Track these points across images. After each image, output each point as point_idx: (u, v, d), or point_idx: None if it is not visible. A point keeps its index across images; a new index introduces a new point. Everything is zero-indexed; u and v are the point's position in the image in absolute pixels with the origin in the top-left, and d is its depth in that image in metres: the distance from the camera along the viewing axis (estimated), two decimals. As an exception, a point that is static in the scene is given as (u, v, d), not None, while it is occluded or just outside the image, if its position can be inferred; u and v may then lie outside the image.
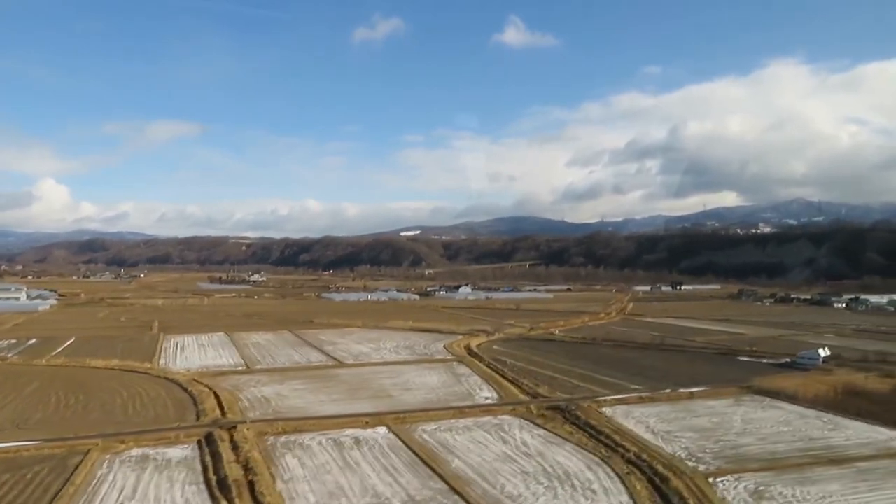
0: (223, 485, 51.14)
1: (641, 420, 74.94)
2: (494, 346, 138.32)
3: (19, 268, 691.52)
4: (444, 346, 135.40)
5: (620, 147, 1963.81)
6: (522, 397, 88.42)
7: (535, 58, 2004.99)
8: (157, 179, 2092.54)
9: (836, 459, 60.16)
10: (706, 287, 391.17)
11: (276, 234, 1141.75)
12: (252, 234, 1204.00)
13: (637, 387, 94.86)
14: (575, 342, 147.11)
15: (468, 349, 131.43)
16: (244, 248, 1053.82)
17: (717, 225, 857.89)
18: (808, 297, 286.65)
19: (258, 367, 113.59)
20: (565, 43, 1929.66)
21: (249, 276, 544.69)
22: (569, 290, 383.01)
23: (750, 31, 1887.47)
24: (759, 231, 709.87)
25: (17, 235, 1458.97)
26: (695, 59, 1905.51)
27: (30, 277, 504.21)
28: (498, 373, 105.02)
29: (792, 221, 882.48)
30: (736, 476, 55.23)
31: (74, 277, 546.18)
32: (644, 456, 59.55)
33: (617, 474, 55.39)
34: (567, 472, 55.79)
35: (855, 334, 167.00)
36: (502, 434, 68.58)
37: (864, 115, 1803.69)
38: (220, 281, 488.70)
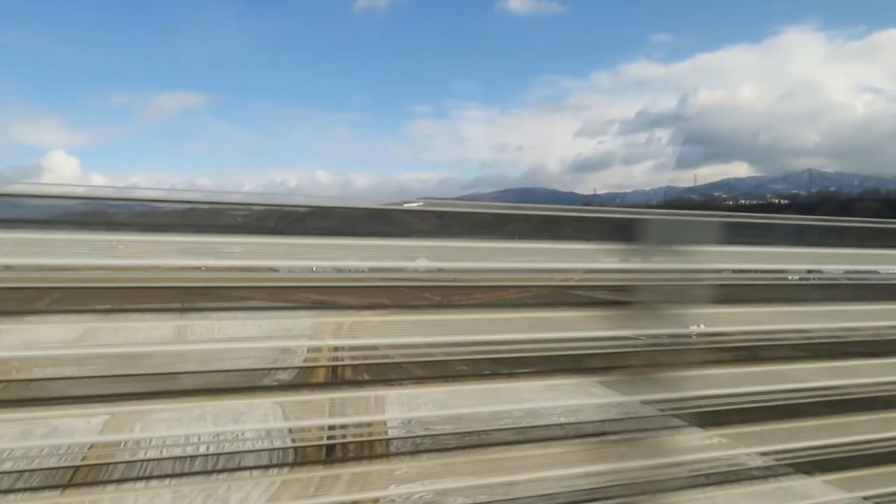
0: None
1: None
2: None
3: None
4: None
5: (630, 117, 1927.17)
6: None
7: (542, 25, 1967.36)
8: (166, 151, 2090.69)
9: None
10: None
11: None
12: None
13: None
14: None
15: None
16: (240, 218, 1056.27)
17: (723, 196, 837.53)
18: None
19: None
20: (570, 10, 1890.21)
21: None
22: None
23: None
24: (748, 202, 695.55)
25: (27, 208, 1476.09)
26: (706, 26, 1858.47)
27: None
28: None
29: (801, 192, 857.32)
30: None
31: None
32: None
33: None
34: None
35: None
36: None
37: (880, 84, 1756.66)
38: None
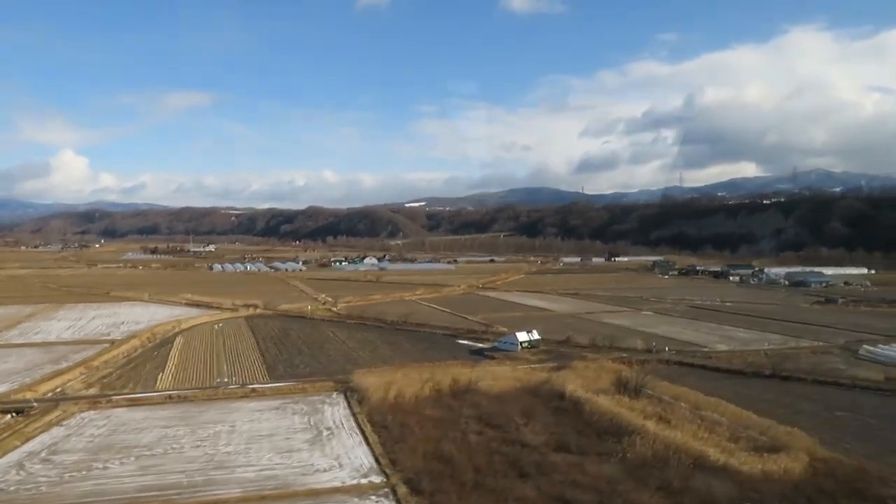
0: None
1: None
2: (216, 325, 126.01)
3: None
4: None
5: (636, 117, 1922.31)
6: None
7: (546, 25, 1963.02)
8: (173, 150, 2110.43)
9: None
10: (642, 258, 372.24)
11: (293, 206, 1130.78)
12: (268, 205, 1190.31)
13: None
14: (323, 321, 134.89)
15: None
16: (233, 218, 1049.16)
17: (726, 196, 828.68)
18: (719, 269, 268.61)
19: None
20: (573, 9, 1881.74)
21: (205, 247, 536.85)
22: (492, 261, 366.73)
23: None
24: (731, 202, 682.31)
25: (36, 207, 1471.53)
26: (712, 25, 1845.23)
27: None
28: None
29: (806, 192, 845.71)
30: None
31: (24, 248, 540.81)
32: None
33: None
34: None
35: (666, 312, 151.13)
36: None
37: (888, 83, 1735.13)
38: (152, 252, 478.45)
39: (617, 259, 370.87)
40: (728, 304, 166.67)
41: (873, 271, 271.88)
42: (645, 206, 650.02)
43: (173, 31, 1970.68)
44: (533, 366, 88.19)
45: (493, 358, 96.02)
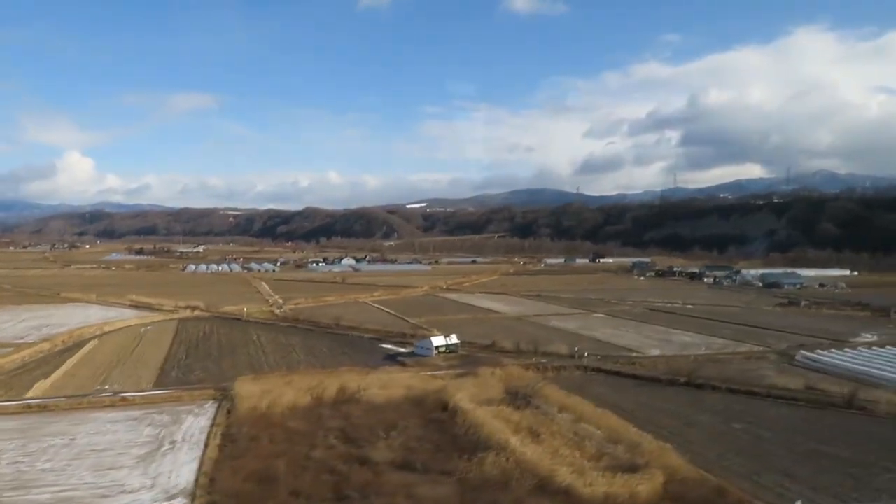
0: None
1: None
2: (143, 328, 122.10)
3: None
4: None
5: (640, 118, 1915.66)
6: None
7: (547, 26, 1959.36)
8: (178, 151, 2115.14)
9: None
10: (628, 259, 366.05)
11: (297, 206, 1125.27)
12: (273, 206, 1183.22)
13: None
14: (257, 323, 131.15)
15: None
16: (231, 219, 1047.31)
17: (729, 197, 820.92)
18: (696, 270, 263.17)
19: None
20: (574, 10, 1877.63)
21: (195, 248, 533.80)
22: (474, 262, 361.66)
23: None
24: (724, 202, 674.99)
25: (42, 208, 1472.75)
26: (715, 26, 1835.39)
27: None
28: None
29: (802, 192, 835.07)
30: None
31: (13, 248, 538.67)
32: None
33: None
34: None
35: (619, 315, 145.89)
36: None
37: (894, 84, 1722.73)
38: (138, 252, 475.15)
39: (601, 260, 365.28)
40: (689, 306, 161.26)
41: (856, 273, 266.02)
42: (639, 207, 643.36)
43: (176, 32, 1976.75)
44: (437, 372, 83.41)
45: (403, 364, 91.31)
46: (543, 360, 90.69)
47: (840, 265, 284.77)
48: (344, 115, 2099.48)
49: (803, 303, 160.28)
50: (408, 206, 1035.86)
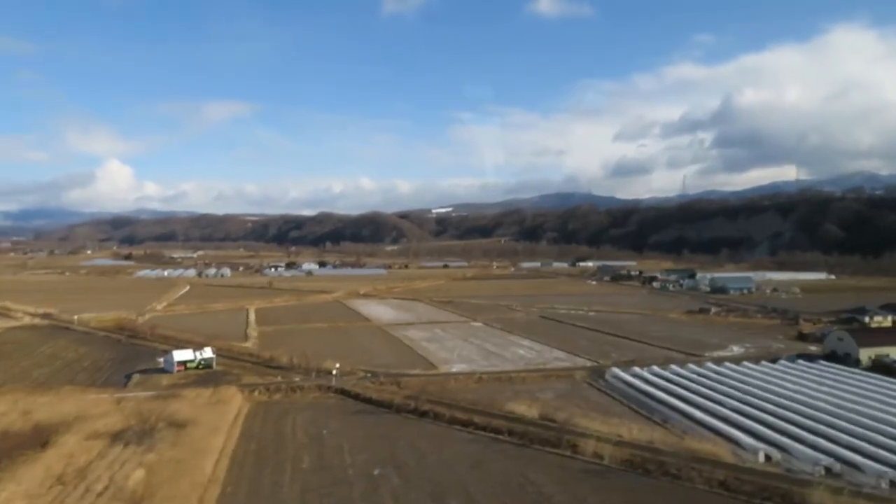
0: None
1: None
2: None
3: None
4: None
5: (671, 120, 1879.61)
6: None
7: (575, 28, 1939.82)
8: (214, 158, 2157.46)
9: None
10: (609, 263, 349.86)
11: (330, 211, 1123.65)
12: (307, 212, 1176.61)
13: None
14: (79, 331, 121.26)
15: None
16: (248, 225, 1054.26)
17: (765, 200, 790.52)
18: (657, 274, 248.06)
19: None
20: (602, 12, 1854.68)
21: (193, 254, 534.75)
22: (445, 266, 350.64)
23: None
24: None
25: (81, 215, 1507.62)
26: (748, 25, 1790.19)
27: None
28: None
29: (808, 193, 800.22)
30: None
31: (12, 254, 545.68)
32: None
33: None
34: None
35: (493, 323, 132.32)
36: None
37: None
38: (126, 258, 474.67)
39: (581, 264, 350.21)
40: (592, 313, 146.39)
41: (832, 277, 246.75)
42: (645, 210, 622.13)
43: (209, 42, 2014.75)
44: (147, 393, 71.69)
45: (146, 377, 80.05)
46: (278, 379, 78.75)
47: (841, 268, 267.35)
48: (374, 121, 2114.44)
49: (713, 310, 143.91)
50: (434, 211, 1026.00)
